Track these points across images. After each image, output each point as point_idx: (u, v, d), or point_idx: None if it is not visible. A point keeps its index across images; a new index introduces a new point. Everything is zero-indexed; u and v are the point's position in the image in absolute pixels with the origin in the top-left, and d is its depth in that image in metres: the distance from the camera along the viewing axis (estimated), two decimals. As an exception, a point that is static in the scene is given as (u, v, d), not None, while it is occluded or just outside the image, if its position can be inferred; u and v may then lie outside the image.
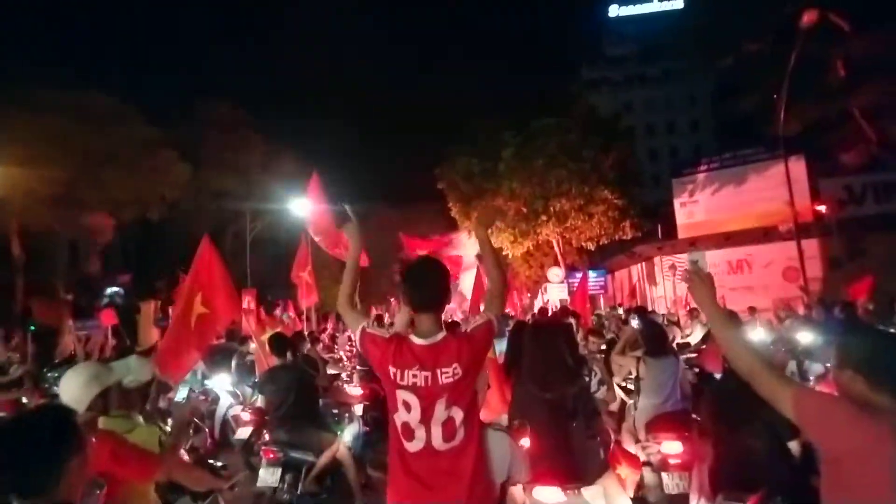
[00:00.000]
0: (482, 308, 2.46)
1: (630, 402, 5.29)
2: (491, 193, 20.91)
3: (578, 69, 52.01)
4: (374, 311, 20.60)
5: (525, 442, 2.94)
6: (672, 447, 4.28)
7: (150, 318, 11.21)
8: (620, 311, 13.74)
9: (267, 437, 5.12)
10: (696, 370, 5.93)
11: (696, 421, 4.24)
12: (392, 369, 2.24)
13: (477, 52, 70.68)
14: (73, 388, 2.59)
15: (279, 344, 5.45)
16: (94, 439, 2.22)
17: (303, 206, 19.46)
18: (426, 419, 2.19)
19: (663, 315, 12.22)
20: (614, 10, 57.32)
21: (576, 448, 3.05)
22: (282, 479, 4.72)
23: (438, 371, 2.19)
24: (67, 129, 16.18)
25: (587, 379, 4.60)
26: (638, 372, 4.81)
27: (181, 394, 6.94)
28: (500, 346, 4.94)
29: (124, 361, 2.80)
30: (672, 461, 4.26)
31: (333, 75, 58.70)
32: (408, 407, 2.21)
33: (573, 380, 3.24)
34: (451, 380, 2.19)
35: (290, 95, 56.83)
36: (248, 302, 13.70)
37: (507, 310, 13.41)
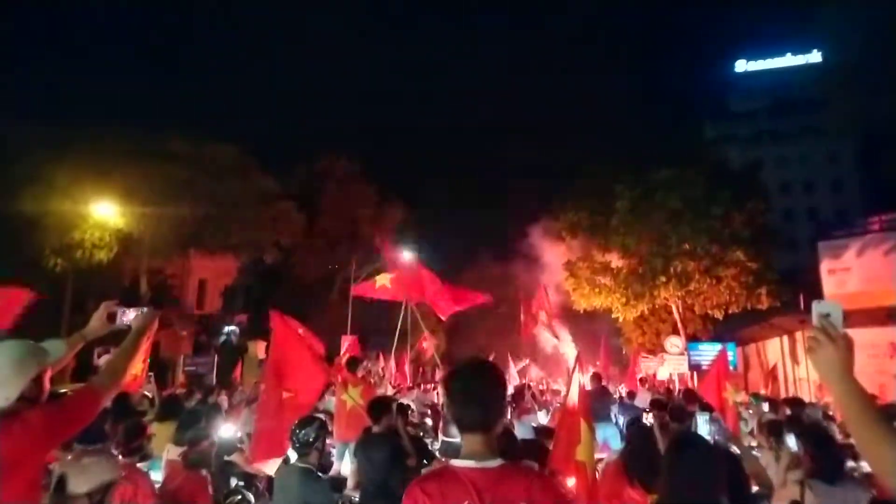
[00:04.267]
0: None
1: None
2: (600, 249, 19.45)
3: (701, 126, 49.66)
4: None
5: None
6: None
7: (255, 359, 11.39)
8: (766, 406, 9.17)
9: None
10: None
11: None
12: None
13: (590, 105, 70.15)
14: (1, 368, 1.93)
15: (378, 410, 4.97)
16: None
17: (407, 256, 19.64)
18: None
19: (821, 409, 9.29)
20: (741, 66, 55.01)
21: None
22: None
23: None
24: (194, 177, 17.59)
25: None
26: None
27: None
28: (603, 433, 4.09)
29: (54, 341, 2.22)
30: None
31: (442, 124, 60.93)
32: None
33: None
34: None
35: (402, 146, 59.95)
36: (346, 347, 13.49)
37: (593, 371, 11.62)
